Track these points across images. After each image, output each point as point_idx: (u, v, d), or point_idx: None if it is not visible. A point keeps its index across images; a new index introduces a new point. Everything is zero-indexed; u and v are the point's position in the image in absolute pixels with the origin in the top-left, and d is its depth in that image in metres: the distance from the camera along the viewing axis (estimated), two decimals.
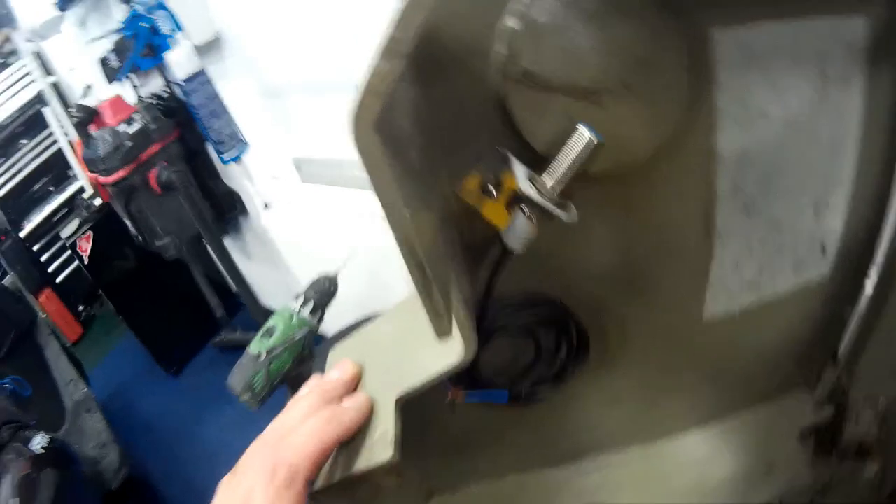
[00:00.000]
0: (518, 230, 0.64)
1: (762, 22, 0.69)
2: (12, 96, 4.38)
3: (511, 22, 0.61)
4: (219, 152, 2.47)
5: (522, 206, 0.62)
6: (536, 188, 0.61)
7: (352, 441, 0.73)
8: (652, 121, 0.68)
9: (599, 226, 0.80)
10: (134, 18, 2.25)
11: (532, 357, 0.90)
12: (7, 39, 4.29)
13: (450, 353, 0.68)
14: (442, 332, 0.53)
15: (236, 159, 2.51)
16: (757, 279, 0.91)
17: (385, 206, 0.44)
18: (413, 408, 0.76)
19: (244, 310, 3.04)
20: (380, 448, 0.70)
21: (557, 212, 0.61)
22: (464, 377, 0.84)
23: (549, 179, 0.61)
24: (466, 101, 0.66)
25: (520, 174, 0.62)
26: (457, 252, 0.65)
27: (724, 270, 0.88)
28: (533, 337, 0.88)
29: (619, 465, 1.05)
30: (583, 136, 0.58)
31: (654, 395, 1.02)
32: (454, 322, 0.63)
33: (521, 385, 0.89)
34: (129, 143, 2.48)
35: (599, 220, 0.79)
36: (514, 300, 0.82)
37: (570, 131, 0.60)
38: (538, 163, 0.65)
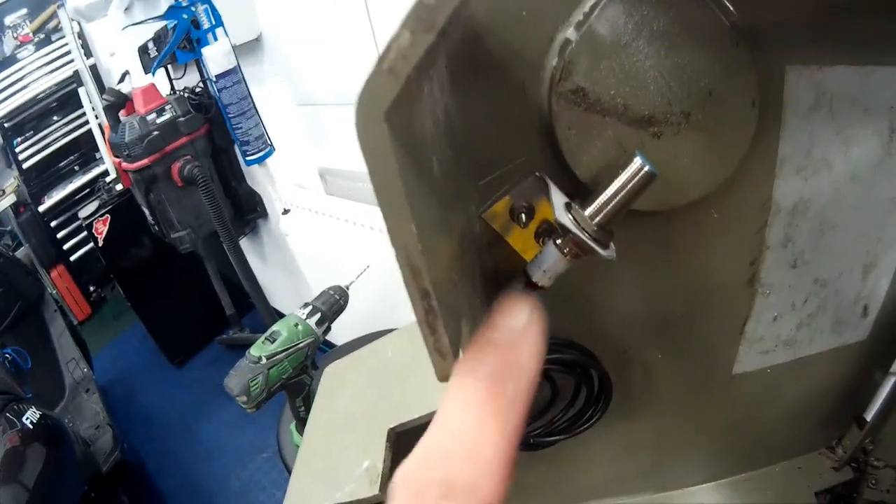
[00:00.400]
0: (547, 263, 0.58)
1: (838, 66, 0.63)
2: (50, 72, 4.43)
3: (568, 32, 0.55)
4: (244, 153, 2.45)
5: (555, 237, 0.57)
6: (574, 219, 0.55)
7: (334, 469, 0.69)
8: (711, 159, 0.62)
9: (636, 266, 0.74)
10: (175, 9, 2.24)
11: (547, 400, 0.83)
12: (53, 16, 4.34)
13: None
14: (444, 374, 0.44)
15: (260, 161, 2.48)
16: (794, 336, 0.85)
17: (388, 216, 0.34)
18: (414, 436, 0.72)
19: (255, 310, 3.02)
20: (365, 483, 0.68)
21: (595, 247, 0.54)
22: None
23: (591, 210, 0.55)
24: (506, 115, 0.60)
25: (557, 202, 0.56)
26: (475, 281, 0.59)
27: (761, 324, 0.82)
28: (549, 379, 0.81)
29: None
30: (638, 166, 0.52)
31: (670, 446, 0.96)
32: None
33: (531, 428, 0.83)
34: (156, 133, 2.47)
35: (637, 261, 0.73)
36: None
37: (618, 161, 0.54)
38: (578, 193, 0.59)
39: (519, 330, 0.41)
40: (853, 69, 0.64)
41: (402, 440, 0.72)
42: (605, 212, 0.54)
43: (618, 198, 0.53)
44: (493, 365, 0.39)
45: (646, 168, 0.52)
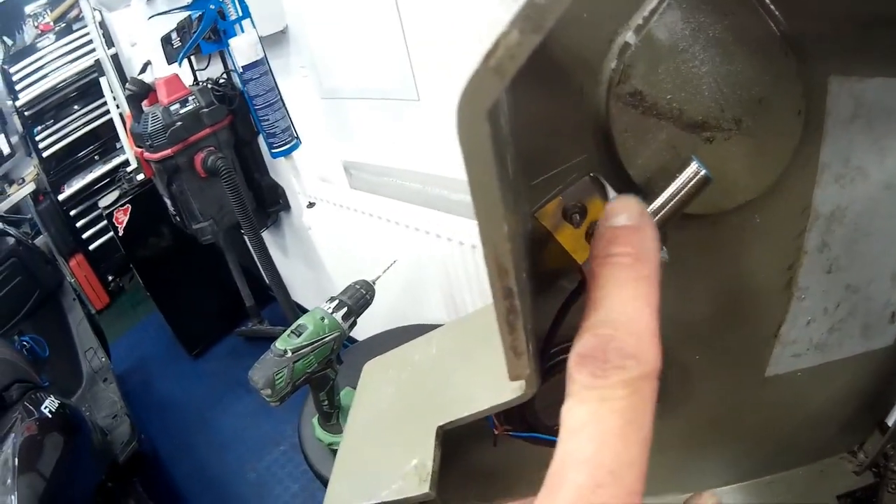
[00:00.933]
0: None
1: (877, 78, 0.64)
2: (71, 61, 4.46)
3: (628, 36, 0.56)
4: (270, 145, 2.46)
5: None
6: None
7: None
8: (758, 165, 0.63)
9: (681, 269, 0.75)
10: None
11: None
12: (75, 4, 4.36)
13: (505, 387, 0.63)
14: (516, 373, 0.44)
15: (287, 154, 2.49)
16: (825, 340, 0.86)
17: (482, 216, 0.34)
18: (459, 435, 0.72)
19: (274, 303, 3.03)
20: (414, 480, 0.66)
21: None
22: (514, 413, 0.78)
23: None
24: (562, 116, 0.61)
25: None
26: (531, 281, 0.61)
27: (795, 328, 0.83)
28: None
29: None
30: (694, 170, 0.53)
31: (698, 447, 0.97)
32: (528, 359, 0.58)
33: None
34: (179, 124, 2.48)
35: (682, 264, 0.74)
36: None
37: (672, 165, 0.56)
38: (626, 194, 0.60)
39: (637, 217, 0.45)
40: (891, 81, 0.65)
41: (450, 438, 0.71)
42: (661, 214, 0.55)
43: (674, 201, 0.55)
44: (629, 251, 0.43)
45: (702, 172, 0.53)
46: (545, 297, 0.68)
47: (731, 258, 0.76)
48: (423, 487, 0.65)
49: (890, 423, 0.96)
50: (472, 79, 0.32)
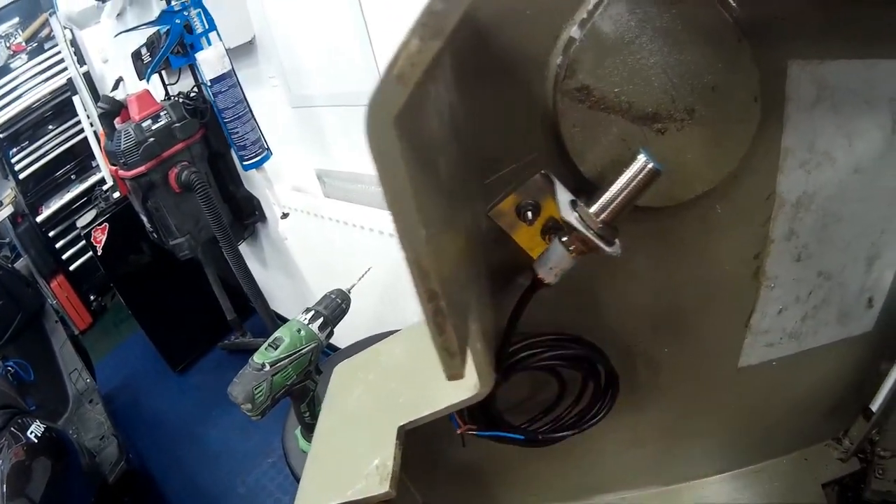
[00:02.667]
0: (553, 260, 0.58)
1: (839, 60, 0.63)
2: (44, 81, 4.42)
3: (573, 30, 0.55)
4: (241, 158, 2.44)
5: (561, 234, 0.57)
6: (579, 216, 0.55)
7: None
8: (715, 154, 0.62)
9: (642, 262, 0.74)
10: (168, 14, 2.23)
11: (554, 396, 0.84)
12: (45, 24, 4.32)
13: (462, 386, 0.64)
14: (452, 374, 0.43)
15: (258, 166, 2.47)
16: (799, 329, 0.86)
17: (398, 220, 0.35)
18: (421, 431, 0.72)
19: (256, 315, 3.02)
20: (375, 480, 0.68)
21: (601, 244, 0.55)
22: (476, 412, 0.77)
23: (596, 208, 0.55)
24: (511, 114, 0.60)
25: (562, 200, 0.56)
26: (480, 278, 0.60)
27: (766, 317, 0.83)
28: (556, 375, 0.82)
29: None
30: (643, 163, 0.52)
31: (678, 439, 0.97)
32: (478, 358, 0.57)
33: (538, 424, 0.83)
34: (152, 140, 2.46)
35: (642, 256, 0.73)
36: (539, 334, 0.76)
37: (624, 158, 0.55)
38: (583, 190, 0.59)
39: None
40: (854, 63, 0.64)
41: (411, 438, 0.72)
42: (610, 209, 0.54)
43: (622, 195, 0.54)
44: None
45: (650, 165, 0.52)
46: (505, 295, 0.67)
47: (695, 249, 0.75)
48: (383, 486, 0.66)
49: (874, 408, 0.96)
50: (377, 88, 0.32)
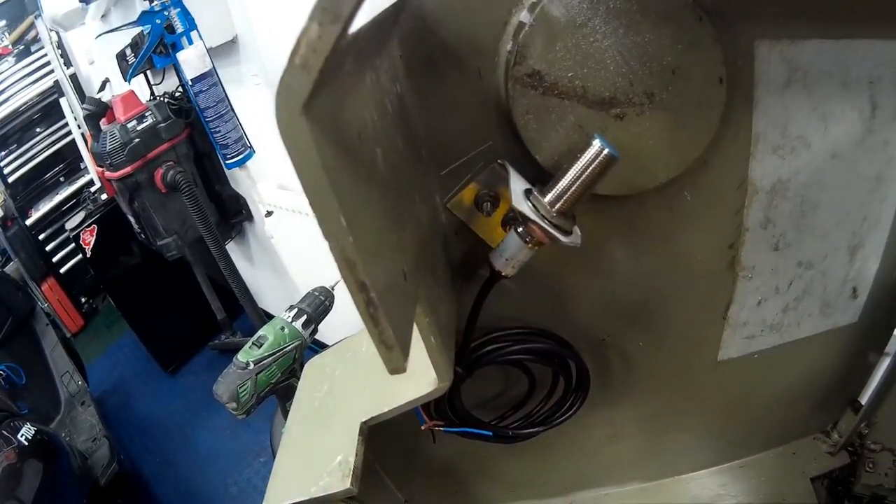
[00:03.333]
0: (510, 251, 0.56)
1: (811, 40, 0.61)
2: (31, 83, 4.40)
3: (522, 15, 0.53)
4: (223, 157, 2.42)
5: (517, 225, 0.55)
6: (533, 205, 0.53)
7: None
8: (679, 140, 0.60)
9: (610, 253, 0.72)
10: (148, 14, 2.21)
11: (525, 392, 0.82)
12: (31, 26, 4.30)
13: (423, 381, 0.62)
14: (393, 367, 0.43)
15: (240, 165, 2.45)
16: (780, 320, 0.83)
17: (316, 210, 0.35)
18: (395, 429, 0.71)
19: (245, 314, 3.00)
20: (338, 476, 0.67)
21: (556, 234, 0.53)
22: (443, 408, 0.75)
23: (551, 197, 0.53)
24: (464, 103, 0.58)
25: (517, 189, 0.54)
26: (438, 270, 0.58)
27: (744, 309, 0.81)
28: (526, 371, 0.80)
29: (617, 501, 0.99)
30: (596, 149, 0.50)
31: (659, 434, 0.95)
32: (433, 352, 0.55)
33: (509, 420, 0.81)
34: (137, 140, 2.44)
35: (611, 248, 0.71)
36: (507, 329, 0.74)
37: (582, 146, 0.53)
38: (542, 181, 0.57)
39: None
40: (827, 43, 0.62)
41: (388, 435, 0.72)
42: (565, 198, 0.52)
43: (577, 183, 0.51)
44: None
45: (605, 151, 0.50)
46: (470, 289, 0.65)
47: (665, 239, 0.73)
48: (345, 483, 0.65)
49: (863, 401, 0.94)
50: (282, 78, 0.31)
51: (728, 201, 0.70)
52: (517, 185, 0.54)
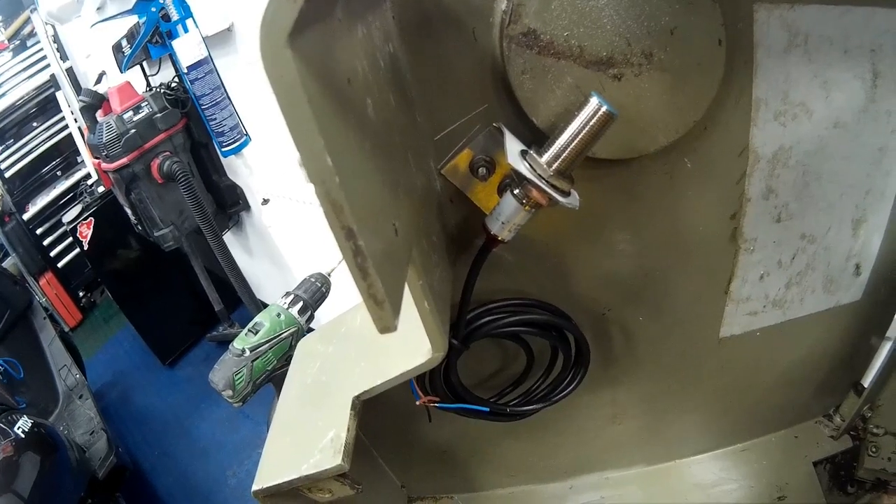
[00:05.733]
0: (505, 214, 0.54)
1: (811, 5, 0.60)
2: (28, 78, 4.39)
3: None
4: (219, 144, 2.40)
5: (513, 187, 0.53)
6: (530, 165, 0.51)
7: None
8: (678, 102, 0.58)
9: (609, 222, 0.70)
10: (143, 3, 2.19)
11: (523, 367, 0.80)
12: (27, 21, 4.28)
13: (417, 354, 0.61)
14: (383, 324, 0.41)
15: (237, 152, 2.44)
16: (783, 296, 0.82)
17: (299, 145, 0.34)
18: (391, 412, 0.72)
19: (243, 305, 2.99)
20: (329, 453, 0.65)
21: (553, 194, 0.51)
22: (438, 383, 0.74)
23: (548, 156, 0.51)
24: (458, 65, 0.57)
25: (512, 149, 0.53)
26: (431, 235, 0.56)
27: (747, 283, 0.79)
28: (525, 345, 0.78)
29: (618, 485, 0.98)
30: (594, 107, 0.49)
31: (660, 415, 0.94)
32: (426, 318, 0.53)
33: (508, 397, 0.80)
34: (134, 131, 2.42)
35: (609, 216, 0.69)
36: (504, 301, 0.72)
37: (579, 106, 0.51)
38: (537, 143, 0.55)
39: None
40: (827, 9, 0.61)
41: (384, 420, 0.71)
42: (563, 157, 0.50)
43: (576, 141, 0.50)
44: None
45: (603, 108, 0.48)
46: (466, 259, 0.64)
47: (664, 207, 0.71)
48: (336, 459, 0.64)
49: (866, 383, 0.93)
50: (267, 8, 0.32)
51: (729, 169, 0.69)
52: (513, 145, 0.53)
